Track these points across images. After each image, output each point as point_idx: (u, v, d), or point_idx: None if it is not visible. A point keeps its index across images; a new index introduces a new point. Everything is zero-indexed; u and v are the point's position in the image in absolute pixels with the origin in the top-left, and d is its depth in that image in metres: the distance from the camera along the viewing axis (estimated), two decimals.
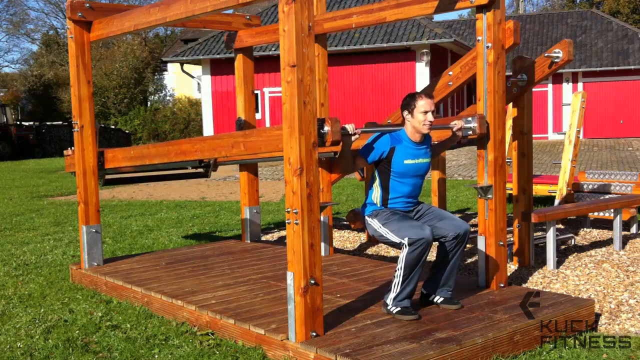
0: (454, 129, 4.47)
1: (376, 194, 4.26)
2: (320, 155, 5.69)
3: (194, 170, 6.92)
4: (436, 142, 4.62)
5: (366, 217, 4.28)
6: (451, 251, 4.19)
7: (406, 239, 3.96)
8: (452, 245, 4.17)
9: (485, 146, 4.62)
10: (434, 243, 4.14)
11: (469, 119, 4.53)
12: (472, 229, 7.55)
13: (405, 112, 4.18)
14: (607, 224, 7.55)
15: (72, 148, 6.04)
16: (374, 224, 4.19)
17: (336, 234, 7.74)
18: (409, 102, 4.16)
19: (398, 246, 4.06)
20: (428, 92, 4.45)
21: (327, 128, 3.74)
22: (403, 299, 4.09)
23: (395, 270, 4.08)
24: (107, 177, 6.35)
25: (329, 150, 5.68)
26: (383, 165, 4.19)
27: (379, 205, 4.24)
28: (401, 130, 4.22)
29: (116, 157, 5.87)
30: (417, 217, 4.26)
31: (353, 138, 4.00)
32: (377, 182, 4.25)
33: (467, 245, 6.66)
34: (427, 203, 4.42)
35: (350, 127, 3.95)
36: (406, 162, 4.16)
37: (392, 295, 4.11)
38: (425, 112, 4.11)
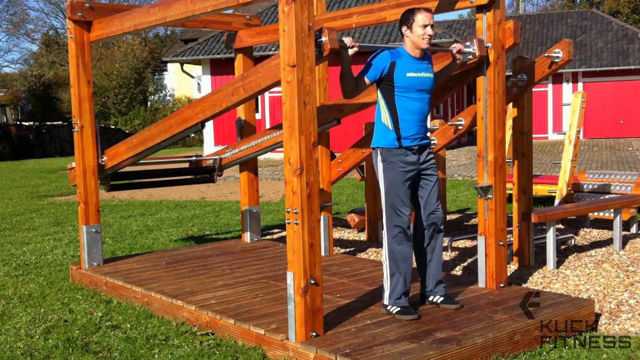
0: (453, 51, 4.36)
1: (385, 115, 4.11)
2: (321, 129, 5.65)
3: (199, 176, 6.87)
4: (437, 71, 4.46)
5: (377, 151, 4.14)
6: (428, 244, 4.23)
7: (385, 222, 4.06)
8: (428, 234, 4.21)
9: (485, 72, 4.53)
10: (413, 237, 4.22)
11: (468, 43, 4.44)
12: (472, 229, 7.56)
13: (404, 28, 4.08)
14: (607, 224, 7.55)
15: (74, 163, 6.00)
16: (380, 168, 4.12)
17: (336, 234, 7.74)
18: (407, 16, 4.07)
19: (381, 210, 4.12)
20: (427, 7, 4.34)
21: (324, 38, 3.70)
22: (399, 296, 4.08)
23: (382, 264, 4.11)
24: (112, 183, 6.30)
25: (332, 120, 5.57)
26: (386, 82, 4.07)
27: (390, 128, 4.09)
28: (400, 47, 4.12)
29: (119, 151, 5.86)
30: (421, 171, 4.17)
31: (350, 51, 3.91)
32: (382, 103, 4.11)
33: (467, 245, 6.67)
34: (434, 166, 4.28)
35: (347, 40, 3.87)
36: (409, 74, 4.04)
37: (386, 293, 4.12)
38: (425, 26, 4.01)
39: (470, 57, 4.46)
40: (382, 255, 4.08)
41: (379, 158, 4.13)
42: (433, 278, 4.29)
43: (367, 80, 4.06)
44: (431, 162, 4.23)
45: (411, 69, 4.06)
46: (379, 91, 4.13)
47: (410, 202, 4.14)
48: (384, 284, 4.14)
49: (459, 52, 4.37)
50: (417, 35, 4.04)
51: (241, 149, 6.50)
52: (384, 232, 4.11)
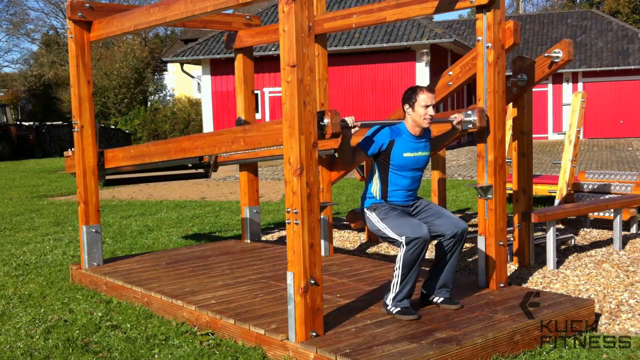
0: (454, 122, 4.46)
1: (375, 186, 4.25)
2: (321, 153, 5.69)
3: (194, 171, 6.92)
4: (436, 136, 4.60)
5: (365, 210, 4.27)
6: (449, 251, 4.19)
7: (404, 237, 3.96)
8: (450, 244, 4.17)
9: (485, 140, 4.60)
10: (432, 242, 4.14)
11: (469, 112, 4.52)
12: (472, 229, 7.56)
13: (406, 106, 4.16)
14: (607, 224, 7.55)
15: (72, 149, 6.03)
16: (373, 217, 4.19)
17: (336, 234, 7.74)
18: (410, 95, 4.15)
19: (395, 243, 4.06)
20: (430, 86, 4.44)
21: (326, 120, 3.74)
22: (402, 298, 4.09)
23: (394, 270, 4.08)
24: (108, 177, 6.34)
25: (329, 147, 5.68)
26: (382, 158, 4.17)
27: (378, 198, 4.23)
28: (401, 123, 4.21)
29: (116, 156, 5.88)
30: (415, 213, 4.25)
31: (353, 131, 3.98)
32: (376, 175, 4.24)
33: (467, 245, 6.67)
34: (426, 200, 4.41)
35: (350, 120, 3.93)
36: (405, 155, 4.15)
37: (391, 295, 4.11)
38: (427, 106, 4.09)
39: (470, 126, 4.54)
40: (397, 259, 4.05)
41: (367, 213, 4.24)
42: (442, 280, 4.28)
43: (365, 154, 4.18)
44: (420, 200, 4.33)
45: (408, 148, 4.16)
46: (375, 164, 4.25)
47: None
48: (392, 287, 4.11)
49: (459, 123, 4.47)
50: (418, 115, 4.12)
51: (238, 152, 6.50)
52: (404, 240, 4.00)
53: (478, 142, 4.67)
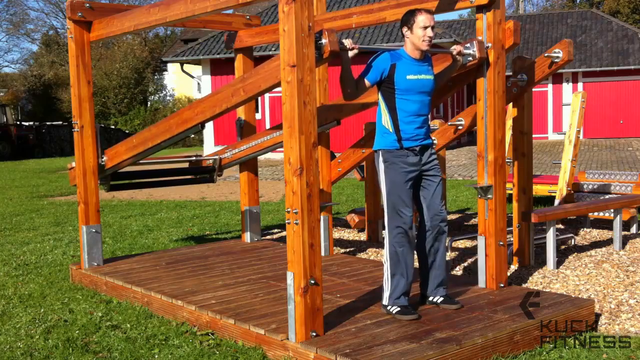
0: (454, 53, 4.36)
1: (385, 117, 4.12)
2: (321, 129, 5.65)
3: (199, 176, 6.87)
4: (437, 73, 4.46)
5: (379, 153, 4.14)
6: (432, 246, 4.21)
7: (387, 223, 4.04)
8: (430, 237, 4.19)
9: (485, 74, 4.54)
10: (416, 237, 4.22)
11: (468, 45, 4.45)
12: (472, 229, 7.56)
13: (405, 29, 4.08)
14: (607, 224, 7.55)
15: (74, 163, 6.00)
16: (381, 169, 4.12)
17: (336, 234, 7.74)
18: (408, 17, 4.07)
19: (383, 210, 4.10)
20: (428, 8, 4.34)
21: (324, 40, 3.71)
22: (399, 295, 4.08)
23: (383, 265, 4.10)
24: (113, 183, 6.29)
25: (332, 120, 5.57)
26: (386, 84, 4.07)
27: (391, 131, 4.09)
28: (400, 49, 4.13)
29: (118, 152, 5.86)
30: (425, 170, 4.16)
31: (350, 54, 3.91)
32: (383, 105, 4.12)
33: (467, 245, 6.67)
34: (437, 166, 4.26)
35: (347, 42, 3.87)
36: (409, 77, 4.05)
37: (386, 294, 4.11)
38: (425, 27, 4.01)
39: (470, 58, 4.47)
40: (383, 255, 4.08)
41: (381, 159, 4.14)
42: (435, 279, 4.28)
43: (367, 83, 4.06)
44: (434, 163, 4.22)
45: (411, 71, 4.06)
46: (379, 93, 4.14)
47: (412, 203, 4.13)
48: (384, 285, 4.14)
49: (459, 53, 4.38)
50: (417, 37, 4.04)
51: (241, 149, 6.50)
52: (386, 232, 4.10)
53: (478, 77, 4.58)
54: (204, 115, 4.87)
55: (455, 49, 4.36)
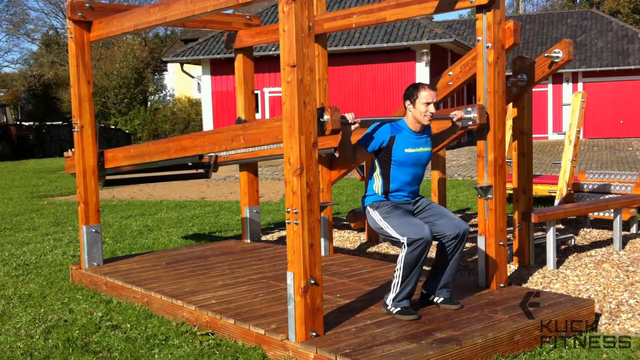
0: (454, 119, 4.46)
1: (377, 183, 4.23)
2: (321, 152, 5.68)
3: (194, 171, 6.91)
4: (436, 133, 4.59)
5: (367, 208, 4.26)
6: (450, 252, 4.19)
7: (405, 238, 3.96)
8: (452, 245, 4.17)
9: (485, 137, 4.59)
10: (433, 242, 4.14)
11: (469, 109, 4.52)
12: (472, 229, 7.57)
13: (407, 102, 4.16)
14: (607, 224, 7.55)
15: (72, 150, 6.03)
16: (375, 216, 4.17)
17: (336, 234, 7.74)
18: (411, 92, 4.15)
19: (396, 243, 4.06)
20: (431, 84, 4.43)
21: (326, 117, 3.74)
22: (403, 299, 4.09)
23: (395, 271, 4.08)
24: (108, 177, 6.34)
25: (328, 146, 5.67)
26: (383, 154, 4.16)
27: (379, 195, 4.22)
28: (401, 120, 4.20)
29: (116, 156, 5.88)
30: (417, 212, 4.25)
31: (352, 127, 3.97)
32: (377, 171, 4.22)
33: (467, 245, 6.67)
34: (428, 199, 4.40)
35: (349, 116, 3.93)
36: (407, 150, 4.14)
37: (391, 295, 4.11)
38: (428, 104, 4.09)
39: (470, 122, 4.54)
40: (398, 260, 4.05)
41: (370, 211, 4.23)
42: (444, 280, 4.28)
43: (366, 151, 4.17)
44: (422, 199, 4.32)
45: (410, 144, 4.16)
46: (376, 160, 4.23)
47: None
48: (392, 287, 4.10)
49: (460, 120, 4.47)
50: (419, 112, 4.12)
51: (238, 152, 6.50)
52: (405, 240, 3.99)
53: (478, 139, 4.67)
54: (202, 149, 4.93)
55: (456, 115, 4.46)
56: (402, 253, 4.01)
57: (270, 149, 6.24)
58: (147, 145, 5.59)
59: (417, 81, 20.98)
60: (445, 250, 4.20)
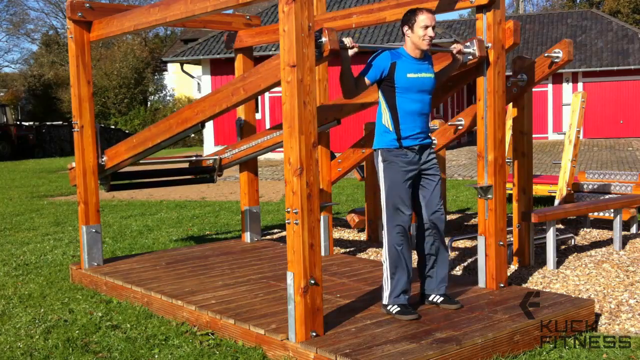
0: (454, 51, 4.37)
1: (385, 116, 4.11)
2: (323, 128, 5.65)
3: (199, 176, 6.87)
4: (437, 71, 4.46)
5: (379, 152, 4.14)
6: (432, 244, 4.21)
7: (385, 223, 4.03)
8: (430, 235, 4.19)
9: (485, 73, 4.55)
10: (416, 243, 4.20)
11: (468, 43, 4.46)
12: (472, 229, 7.56)
13: (405, 28, 4.08)
14: (607, 224, 7.55)
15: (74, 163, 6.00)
16: (380, 169, 4.13)
17: (336, 234, 7.74)
18: (409, 17, 4.07)
19: (382, 208, 4.10)
20: (429, 8, 4.34)
21: (324, 38, 3.70)
22: (399, 294, 4.08)
23: (382, 263, 4.11)
24: (112, 183, 6.29)
25: (328, 122, 5.58)
26: (386, 83, 4.07)
27: (391, 130, 4.09)
28: (400, 47, 4.12)
29: (119, 151, 5.87)
30: (424, 169, 4.17)
31: (350, 52, 3.91)
32: (383, 104, 4.12)
33: (466, 245, 6.67)
34: (437, 166, 4.27)
35: (347, 41, 3.87)
36: (409, 75, 4.04)
37: (386, 293, 4.11)
38: (426, 27, 4.01)
39: (471, 57, 4.48)
40: (382, 255, 4.08)
41: (380, 158, 4.14)
42: (437, 276, 4.28)
43: (367, 81, 4.07)
44: (433, 162, 4.23)
45: (412, 69, 4.06)
46: (380, 92, 4.13)
47: (411, 202, 4.13)
48: (384, 284, 4.14)
49: (459, 52, 4.38)
50: (418, 36, 4.03)
51: (241, 149, 6.50)
52: (385, 232, 4.11)
53: (478, 76, 4.59)
54: (204, 114, 4.87)
55: (456, 47, 4.37)
56: (384, 242, 4.08)
57: (273, 138, 6.23)
58: (148, 130, 5.59)
59: None
60: (424, 243, 4.22)
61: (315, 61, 3.68)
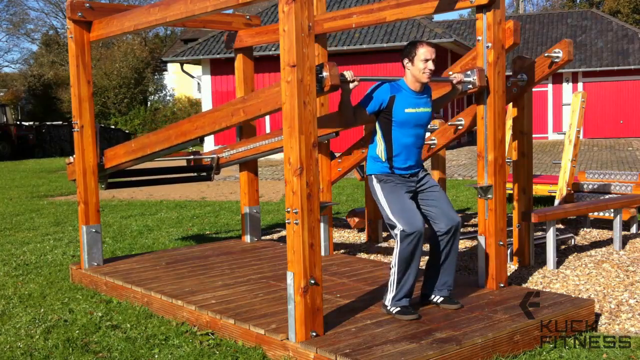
0: (454, 82, 4.42)
1: (379, 147, 4.16)
2: (321, 139, 5.66)
3: (196, 174, 6.89)
4: (436, 98, 4.53)
5: (372, 177, 4.18)
6: (445, 248, 4.18)
7: (399, 232, 3.95)
8: (444, 240, 4.15)
9: (485, 101, 4.57)
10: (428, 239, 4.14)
11: (468, 72, 4.48)
12: (472, 229, 7.56)
13: (406, 60, 4.10)
14: (607, 224, 7.55)
15: (74, 156, 6.01)
16: (377, 189, 4.13)
17: (336, 234, 7.74)
18: (409, 49, 4.09)
19: (390, 225, 4.04)
20: (429, 41, 4.36)
21: (325, 73, 3.72)
22: (401, 297, 4.08)
23: (391, 268, 4.08)
24: (110, 180, 6.30)
25: (328, 132, 5.60)
26: (384, 115, 4.10)
27: (383, 160, 4.13)
28: (400, 79, 4.15)
29: (117, 154, 5.87)
30: (419, 189, 4.19)
31: (351, 85, 3.94)
32: (379, 134, 4.15)
33: (467, 245, 6.67)
34: (432, 179, 4.31)
35: (348, 74, 3.90)
36: (407, 110, 4.07)
37: (389, 295, 4.10)
38: (426, 60, 4.03)
39: (470, 86, 4.50)
40: (392, 259, 4.05)
41: (374, 181, 4.18)
42: (443, 278, 4.26)
43: (366, 112, 4.12)
44: (427, 178, 4.27)
45: (410, 104, 4.10)
46: (377, 123, 4.18)
47: (418, 211, 4.11)
48: (389, 287, 4.10)
49: (459, 82, 4.44)
50: (418, 69, 4.07)
51: (239, 150, 6.50)
52: (397, 238, 3.99)
53: (477, 103, 4.61)
54: (203, 130, 4.90)
55: (456, 77, 4.43)
56: (395, 249, 4.01)
57: (271, 143, 6.23)
58: (147, 137, 5.59)
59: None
60: (438, 246, 4.19)
61: (315, 93, 3.69)
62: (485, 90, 4.55)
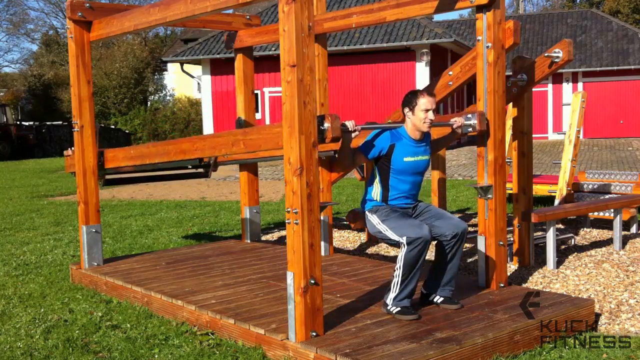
0: (454, 126, 4.48)
1: (376, 190, 4.26)
2: (320, 154, 5.69)
3: (194, 171, 6.92)
4: (435, 139, 4.61)
5: (366, 213, 4.28)
6: (450, 251, 4.19)
7: (405, 237, 3.95)
8: (451, 244, 4.17)
9: (485, 143, 4.62)
10: (432, 242, 4.14)
11: (469, 116, 4.52)
12: (472, 229, 7.56)
13: (406, 109, 4.17)
14: (607, 224, 7.55)
15: (72, 148, 6.04)
16: (373, 219, 4.19)
17: (336, 234, 7.74)
18: (410, 99, 4.15)
19: (396, 244, 4.06)
20: (430, 90, 4.43)
21: (327, 124, 3.74)
22: (403, 298, 4.09)
23: (394, 270, 4.07)
24: (108, 177, 6.34)
25: (328, 149, 5.68)
26: (383, 162, 4.18)
27: (378, 201, 4.24)
28: (401, 127, 4.21)
29: (116, 156, 5.88)
30: (415, 215, 4.26)
31: (353, 135, 4.00)
32: (377, 179, 4.25)
33: (467, 245, 6.67)
34: (426, 202, 4.41)
35: (350, 124, 3.95)
36: (406, 159, 4.16)
37: (391, 295, 4.11)
38: (427, 110, 4.09)
39: (471, 129, 4.53)
40: (397, 261, 4.04)
41: (369, 216, 4.24)
42: (445, 277, 4.27)
43: (366, 157, 4.19)
44: (421, 204, 4.33)
45: (409, 153, 4.16)
46: (375, 168, 4.25)
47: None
48: (392, 287, 4.10)
49: (460, 127, 4.48)
50: (418, 119, 4.12)
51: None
52: (404, 243, 3.98)
53: (478, 145, 4.68)
54: (202, 152, 4.92)
55: (457, 122, 4.47)
56: (401, 252, 4.01)
57: (270, 150, 6.24)
58: (147, 147, 5.60)
59: (416, 81, 21.04)
60: (444, 250, 4.20)
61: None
62: (486, 134, 4.59)
